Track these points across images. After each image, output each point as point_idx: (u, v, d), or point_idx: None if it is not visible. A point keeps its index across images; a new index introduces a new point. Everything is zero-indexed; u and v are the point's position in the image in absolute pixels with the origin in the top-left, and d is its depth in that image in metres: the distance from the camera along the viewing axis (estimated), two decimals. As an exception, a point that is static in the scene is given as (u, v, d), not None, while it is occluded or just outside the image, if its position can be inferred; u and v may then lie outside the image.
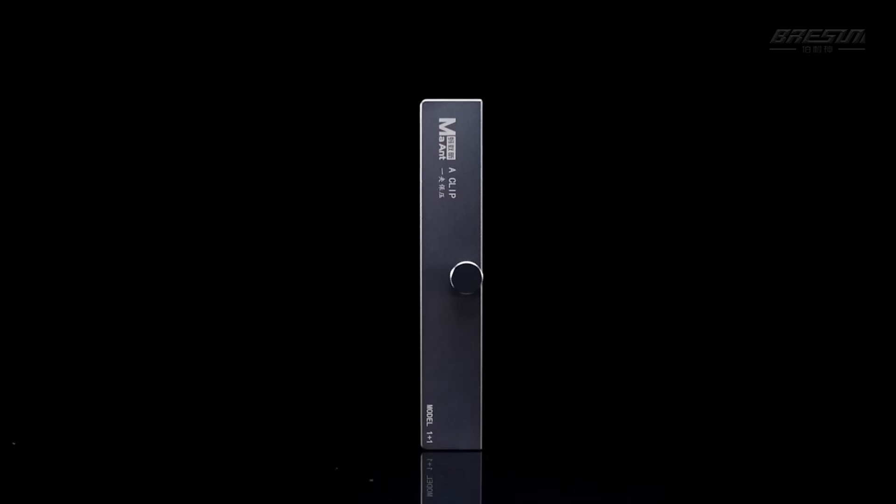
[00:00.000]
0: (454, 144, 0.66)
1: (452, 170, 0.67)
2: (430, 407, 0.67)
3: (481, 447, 0.67)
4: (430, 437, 0.67)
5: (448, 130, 0.66)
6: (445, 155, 0.66)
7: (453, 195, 0.66)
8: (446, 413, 0.67)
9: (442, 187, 0.67)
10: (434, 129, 0.66)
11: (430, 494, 0.61)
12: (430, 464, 0.65)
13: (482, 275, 0.66)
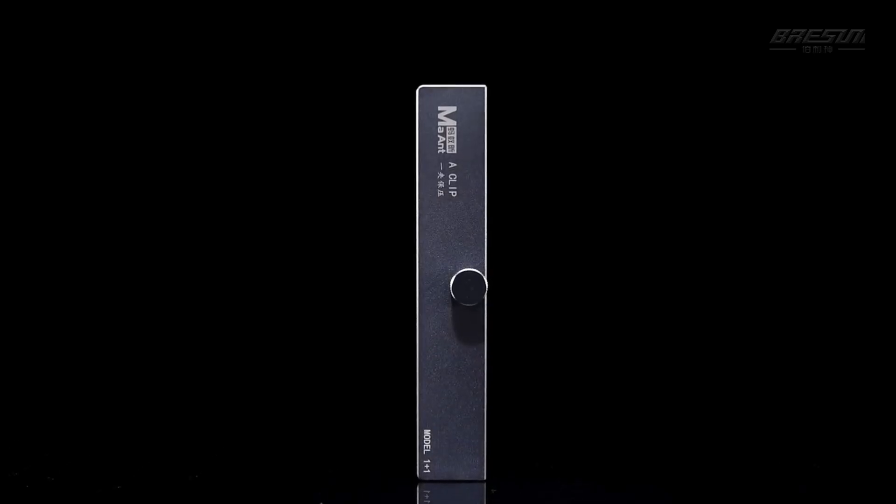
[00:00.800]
0: (455, 136, 0.64)
1: (453, 164, 0.65)
2: (427, 432, 0.65)
3: (485, 478, 0.65)
4: (427, 467, 0.65)
5: (448, 120, 0.64)
6: (445, 148, 0.64)
7: (454, 193, 0.65)
8: (446, 439, 0.65)
9: (441, 184, 0.65)
10: (432, 119, 0.64)
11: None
12: (427, 496, 0.63)
13: (486, 284, 0.64)
